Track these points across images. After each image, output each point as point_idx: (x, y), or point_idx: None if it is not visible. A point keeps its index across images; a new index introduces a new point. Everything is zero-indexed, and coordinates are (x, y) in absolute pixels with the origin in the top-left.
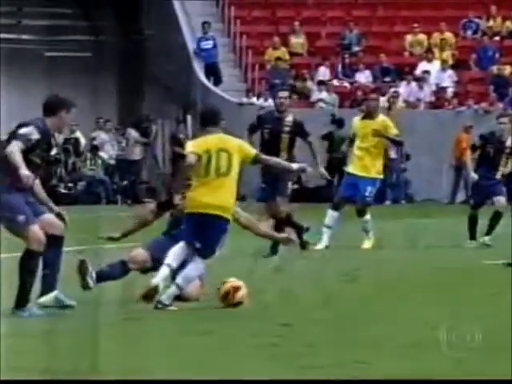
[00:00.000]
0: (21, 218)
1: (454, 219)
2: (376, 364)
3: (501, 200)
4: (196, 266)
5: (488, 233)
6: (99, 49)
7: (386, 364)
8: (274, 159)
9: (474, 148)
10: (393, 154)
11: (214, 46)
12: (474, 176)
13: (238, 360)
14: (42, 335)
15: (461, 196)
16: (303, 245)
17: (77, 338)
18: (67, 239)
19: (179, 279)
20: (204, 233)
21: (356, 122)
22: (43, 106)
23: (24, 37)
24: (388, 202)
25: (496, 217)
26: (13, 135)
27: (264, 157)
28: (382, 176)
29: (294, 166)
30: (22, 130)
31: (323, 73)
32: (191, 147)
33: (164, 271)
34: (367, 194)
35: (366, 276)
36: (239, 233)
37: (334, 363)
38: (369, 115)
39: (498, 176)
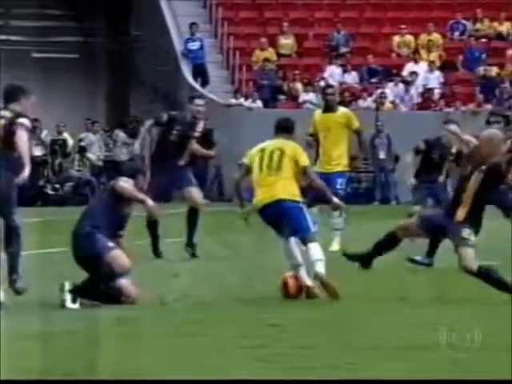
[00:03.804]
0: None
1: None
2: (372, 366)
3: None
4: (315, 247)
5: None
6: (87, 50)
7: (383, 366)
8: (319, 181)
9: (417, 152)
10: (382, 155)
11: (202, 47)
12: (412, 181)
13: (227, 361)
14: (42, 335)
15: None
16: (157, 253)
17: (76, 338)
18: (54, 240)
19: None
20: (281, 219)
21: (317, 116)
22: (4, 94)
23: (12, 38)
24: (376, 203)
25: None
26: (12, 124)
27: (312, 172)
28: (349, 168)
29: (336, 200)
30: (23, 120)
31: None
32: (246, 156)
33: (302, 271)
34: (338, 186)
35: (361, 276)
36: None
37: (325, 365)
38: (329, 109)
39: (441, 179)
